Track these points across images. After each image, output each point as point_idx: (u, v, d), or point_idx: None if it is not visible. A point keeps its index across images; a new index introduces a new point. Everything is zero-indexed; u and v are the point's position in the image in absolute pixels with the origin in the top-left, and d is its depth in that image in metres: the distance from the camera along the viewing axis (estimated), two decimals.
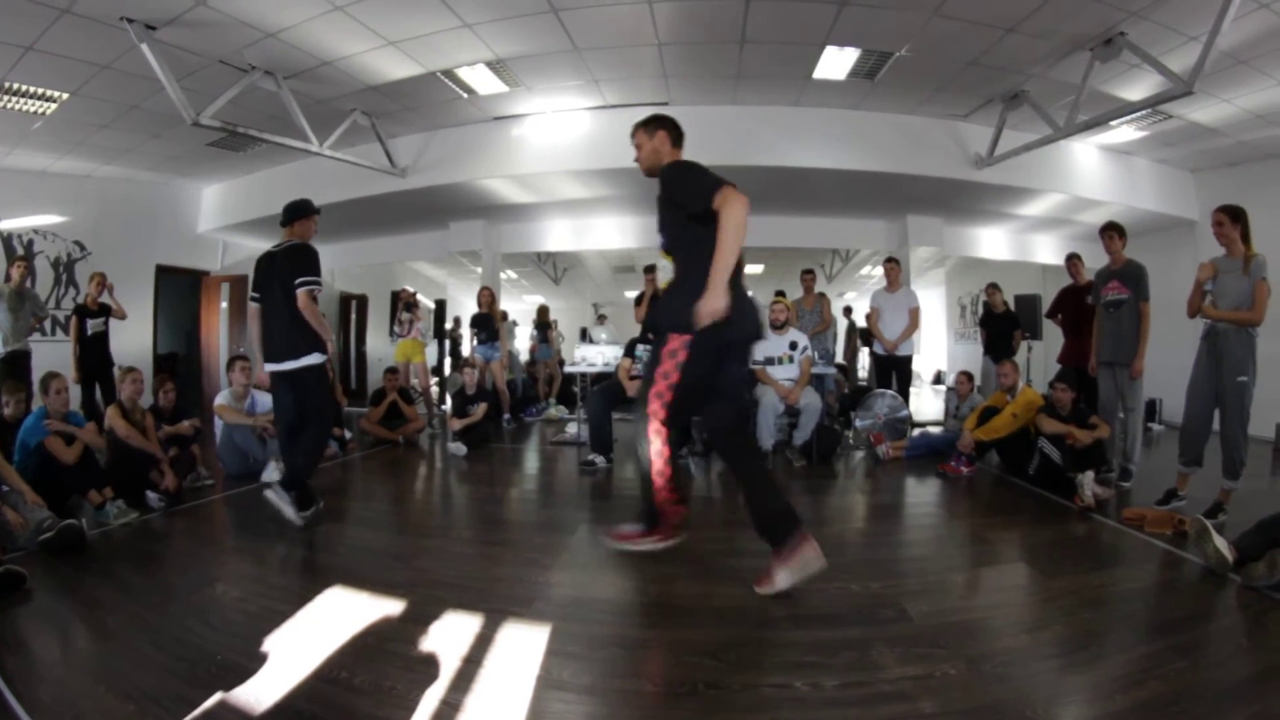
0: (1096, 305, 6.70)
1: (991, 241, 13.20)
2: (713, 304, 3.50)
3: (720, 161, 8.94)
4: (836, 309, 13.07)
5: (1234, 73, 7.46)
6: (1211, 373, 5.34)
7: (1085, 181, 10.46)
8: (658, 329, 3.99)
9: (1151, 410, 8.07)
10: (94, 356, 8.99)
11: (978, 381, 9.24)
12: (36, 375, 7.75)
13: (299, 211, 5.46)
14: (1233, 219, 5.31)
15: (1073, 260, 7.84)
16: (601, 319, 18.47)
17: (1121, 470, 6.59)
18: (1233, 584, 3.94)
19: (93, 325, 9.04)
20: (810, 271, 10.21)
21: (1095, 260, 7.10)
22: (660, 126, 4.15)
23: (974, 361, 10.70)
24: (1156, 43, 6.81)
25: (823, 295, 10.25)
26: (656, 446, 3.93)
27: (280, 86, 7.79)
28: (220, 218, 12.29)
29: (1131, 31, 6.76)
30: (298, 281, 5.10)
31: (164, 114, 7.95)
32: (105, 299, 9.11)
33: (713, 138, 9.07)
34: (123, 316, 9.28)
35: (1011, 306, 10.20)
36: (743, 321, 3.79)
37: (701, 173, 3.76)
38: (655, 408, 3.86)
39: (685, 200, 3.76)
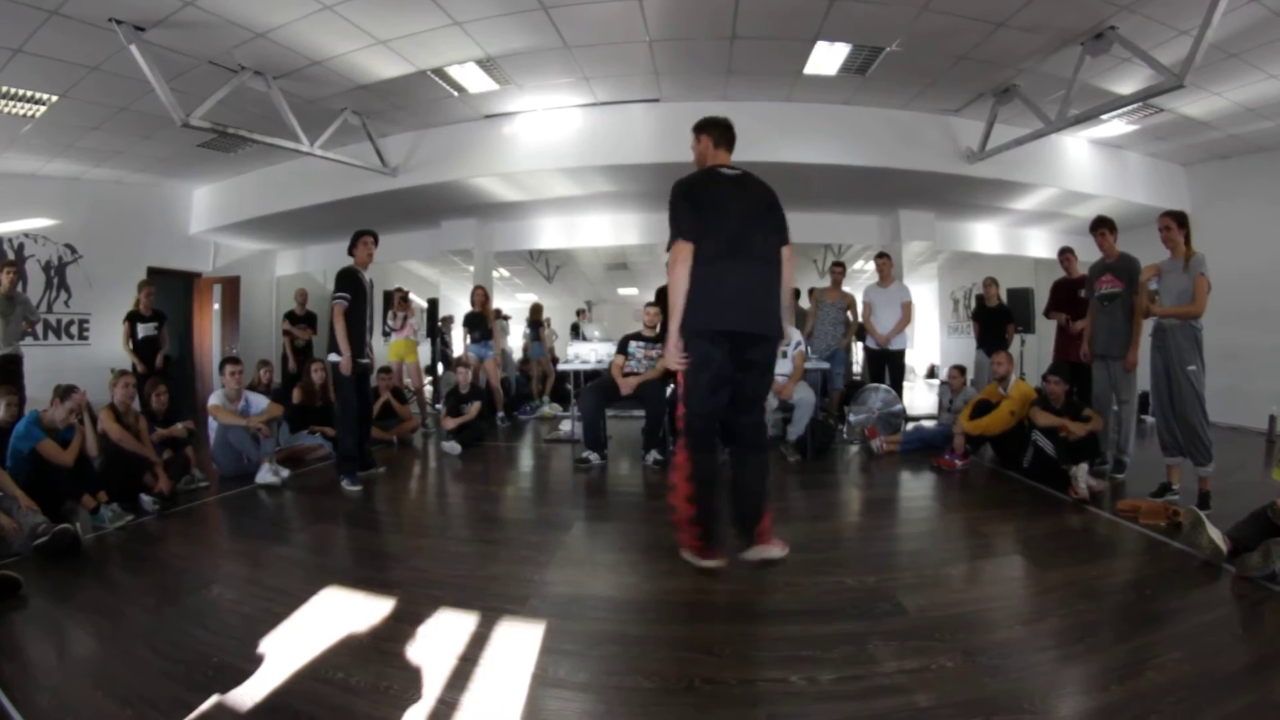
0: (1090, 299, 6.71)
1: (984, 236, 13.22)
2: (667, 357, 4.04)
3: None
4: None
5: (1225, 66, 7.48)
6: (1163, 367, 5.62)
7: (1077, 175, 10.48)
8: None
9: (1145, 403, 8.09)
10: (146, 359, 9.14)
11: (970, 375, 9.24)
12: (29, 380, 7.75)
13: (351, 242, 6.82)
14: (1179, 224, 5.59)
15: (1065, 254, 7.87)
16: (580, 313, 18.45)
17: (1115, 462, 6.63)
18: (1227, 574, 3.96)
19: (144, 329, 9.20)
20: (840, 264, 10.17)
21: (1087, 253, 7.11)
22: (704, 130, 4.35)
23: (967, 355, 10.71)
24: (1147, 36, 6.83)
25: (848, 295, 10.08)
26: (679, 458, 4.04)
27: (270, 86, 7.77)
28: (211, 219, 12.27)
29: (1122, 25, 6.77)
30: (332, 298, 6.58)
31: (154, 115, 7.93)
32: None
33: None
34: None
35: (1004, 300, 10.20)
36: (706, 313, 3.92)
37: (676, 213, 3.99)
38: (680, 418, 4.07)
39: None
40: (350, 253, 6.76)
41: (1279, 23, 6.63)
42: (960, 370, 8.67)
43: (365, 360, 6.69)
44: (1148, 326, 5.99)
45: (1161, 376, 5.64)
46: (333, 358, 6.55)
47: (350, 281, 6.59)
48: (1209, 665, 2.88)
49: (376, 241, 6.85)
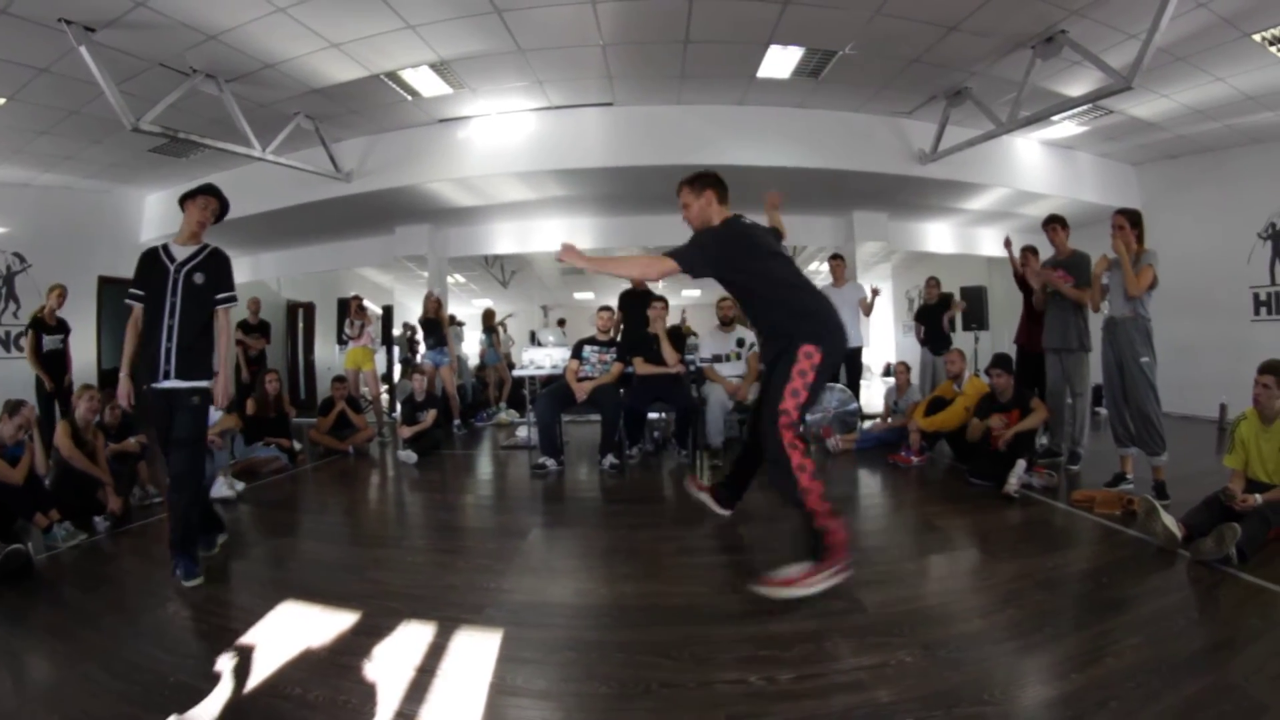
0: (1044, 294, 6.81)
1: (937, 235, 13.40)
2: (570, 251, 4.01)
3: (666, 161, 8.99)
4: None
5: (1173, 69, 7.65)
6: (1114, 359, 5.72)
7: (1028, 175, 10.67)
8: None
9: (1098, 395, 8.24)
10: (53, 376, 8.79)
11: (916, 374, 9.36)
12: None
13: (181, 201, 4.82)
14: (1132, 223, 5.67)
15: (1026, 253, 7.94)
16: (561, 322, 18.40)
17: (1070, 454, 6.76)
18: (1183, 560, 4.05)
19: (49, 342, 8.83)
20: (839, 257, 10.29)
21: (1046, 251, 7.20)
22: (707, 185, 4.26)
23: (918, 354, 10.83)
24: (1097, 40, 6.95)
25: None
26: (797, 461, 3.79)
27: (222, 90, 7.66)
28: (164, 226, 11.98)
29: (1072, 29, 6.89)
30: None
31: (104, 119, 7.79)
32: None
33: (658, 138, 9.11)
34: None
35: (957, 297, 10.32)
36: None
37: (715, 245, 4.04)
38: (785, 424, 3.86)
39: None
40: (182, 205, 4.75)
41: (1225, 28, 6.81)
42: (905, 367, 8.76)
43: (165, 385, 4.31)
44: (1098, 320, 6.09)
45: (1113, 369, 5.73)
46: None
47: (137, 268, 4.58)
48: (1167, 649, 2.93)
49: (223, 207, 4.83)
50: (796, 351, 3.88)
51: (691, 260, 3.94)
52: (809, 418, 8.70)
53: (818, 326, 3.98)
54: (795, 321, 3.99)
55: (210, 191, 4.72)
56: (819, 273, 17.37)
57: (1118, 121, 9.58)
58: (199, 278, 4.48)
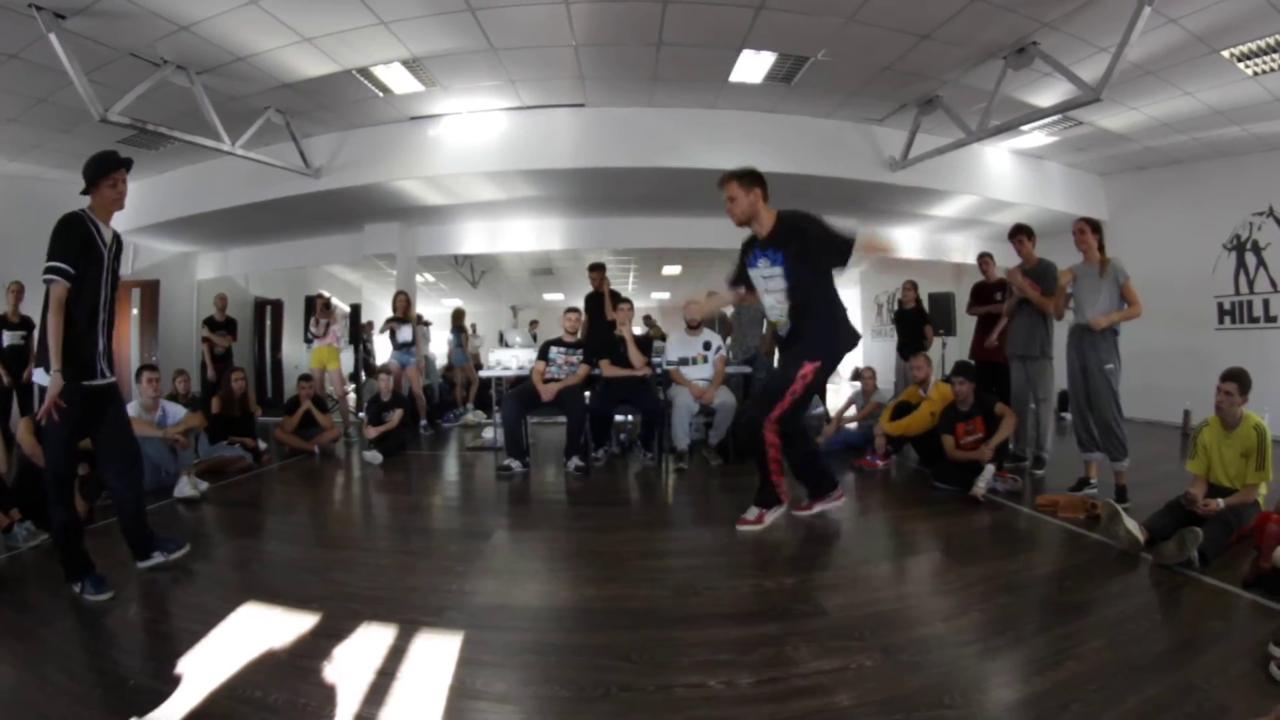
0: (1013, 302, 6.86)
1: (906, 241, 13.46)
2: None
3: (637, 164, 8.97)
4: None
5: (1142, 83, 7.78)
6: (1079, 366, 5.82)
7: (997, 184, 10.77)
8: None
9: (1063, 401, 8.33)
10: (12, 373, 8.69)
11: (891, 378, 9.35)
12: None
13: (93, 175, 4.22)
14: (1093, 230, 5.82)
15: (984, 259, 8.05)
16: (533, 323, 18.33)
17: (1035, 459, 6.82)
18: (1145, 563, 4.11)
19: (10, 337, 8.72)
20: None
21: (1006, 258, 7.27)
22: (756, 184, 5.20)
23: (890, 358, 10.87)
24: (1067, 52, 7.03)
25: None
26: (771, 439, 4.87)
27: (193, 82, 7.55)
28: (131, 219, 11.77)
29: (1044, 41, 6.96)
30: (43, 274, 3.80)
31: (74, 109, 7.65)
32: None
33: (629, 140, 9.08)
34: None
35: (925, 305, 10.35)
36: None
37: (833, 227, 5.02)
38: (774, 415, 4.84)
39: (833, 250, 5.30)
40: (88, 192, 4.16)
41: (1195, 44, 6.93)
42: (871, 371, 8.79)
43: (102, 381, 4.01)
44: (1064, 327, 6.20)
45: (1078, 375, 5.82)
46: (39, 377, 3.83)
47: (72, 239, 3.86)
48: (1129, 651, 2.95)
49: (128, 169, 4.31)
50: (803, 362, 4.88)
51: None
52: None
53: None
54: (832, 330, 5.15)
55: (123, 164, 4.29)
56: None
57: (1087, 132, 9.71)
58: (118, 265, 4.16)
